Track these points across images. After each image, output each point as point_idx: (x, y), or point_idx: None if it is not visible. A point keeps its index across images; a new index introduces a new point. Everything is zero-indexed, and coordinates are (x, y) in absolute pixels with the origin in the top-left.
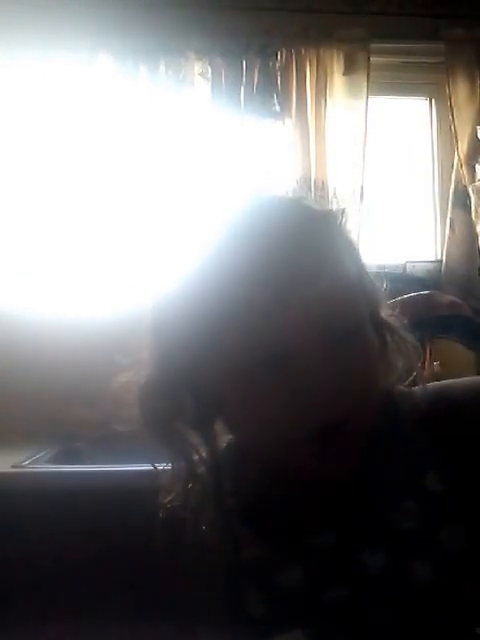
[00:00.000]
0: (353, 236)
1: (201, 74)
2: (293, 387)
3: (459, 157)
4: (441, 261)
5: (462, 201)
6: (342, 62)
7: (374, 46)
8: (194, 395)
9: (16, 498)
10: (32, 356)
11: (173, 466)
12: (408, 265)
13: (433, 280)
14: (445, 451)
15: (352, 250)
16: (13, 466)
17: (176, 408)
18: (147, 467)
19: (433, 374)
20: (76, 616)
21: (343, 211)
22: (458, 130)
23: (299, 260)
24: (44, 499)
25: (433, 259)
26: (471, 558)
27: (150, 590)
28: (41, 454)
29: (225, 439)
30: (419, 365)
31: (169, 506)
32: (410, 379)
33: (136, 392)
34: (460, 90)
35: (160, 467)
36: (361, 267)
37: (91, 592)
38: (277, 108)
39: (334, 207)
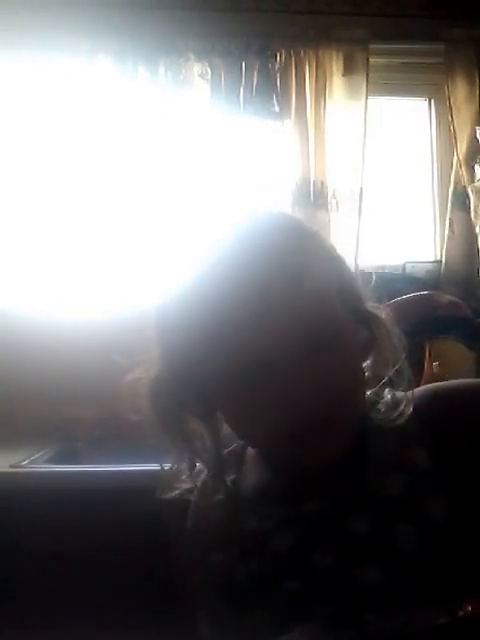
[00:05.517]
0: (335, 245)
1: (201, 75)
2: (277, 388)
3: (458, 157)
4: (441, 261)
5: (461, 201)
6: (341, 63)
7: (373, 47)
8: (196, 393)
9: (14, 498)
10: (31, 357)
11: (178, 454)
12: (408, 265)
13: (433, 280)
14: (435, 434)
15: (332, 260)
16: (11, 466)
17: (182, 403)
18: (145, 467)
19: (433, 374)
20: (75, 615)
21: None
22: (457, 131)
23: (280, 278)
24: (42, 499)
25: (433, 259)
26: (455, 534)
27: (148, 589)
28: (40, 454)
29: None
30: (405, 353)
31: (175, 493)
32: (396, 366)
33: (147, 387)
34: (459, 91)
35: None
36: (342, 273)
37: (90, 591)
38: (276, 109)
39: (319, 218)
